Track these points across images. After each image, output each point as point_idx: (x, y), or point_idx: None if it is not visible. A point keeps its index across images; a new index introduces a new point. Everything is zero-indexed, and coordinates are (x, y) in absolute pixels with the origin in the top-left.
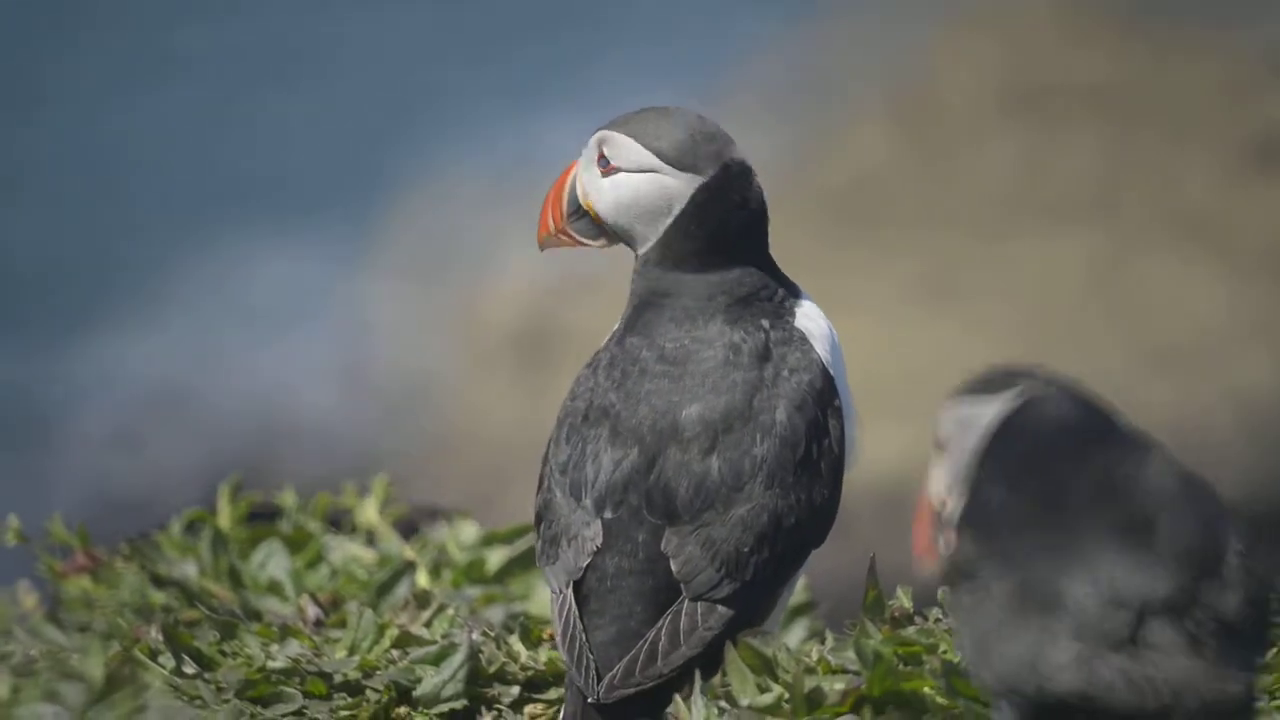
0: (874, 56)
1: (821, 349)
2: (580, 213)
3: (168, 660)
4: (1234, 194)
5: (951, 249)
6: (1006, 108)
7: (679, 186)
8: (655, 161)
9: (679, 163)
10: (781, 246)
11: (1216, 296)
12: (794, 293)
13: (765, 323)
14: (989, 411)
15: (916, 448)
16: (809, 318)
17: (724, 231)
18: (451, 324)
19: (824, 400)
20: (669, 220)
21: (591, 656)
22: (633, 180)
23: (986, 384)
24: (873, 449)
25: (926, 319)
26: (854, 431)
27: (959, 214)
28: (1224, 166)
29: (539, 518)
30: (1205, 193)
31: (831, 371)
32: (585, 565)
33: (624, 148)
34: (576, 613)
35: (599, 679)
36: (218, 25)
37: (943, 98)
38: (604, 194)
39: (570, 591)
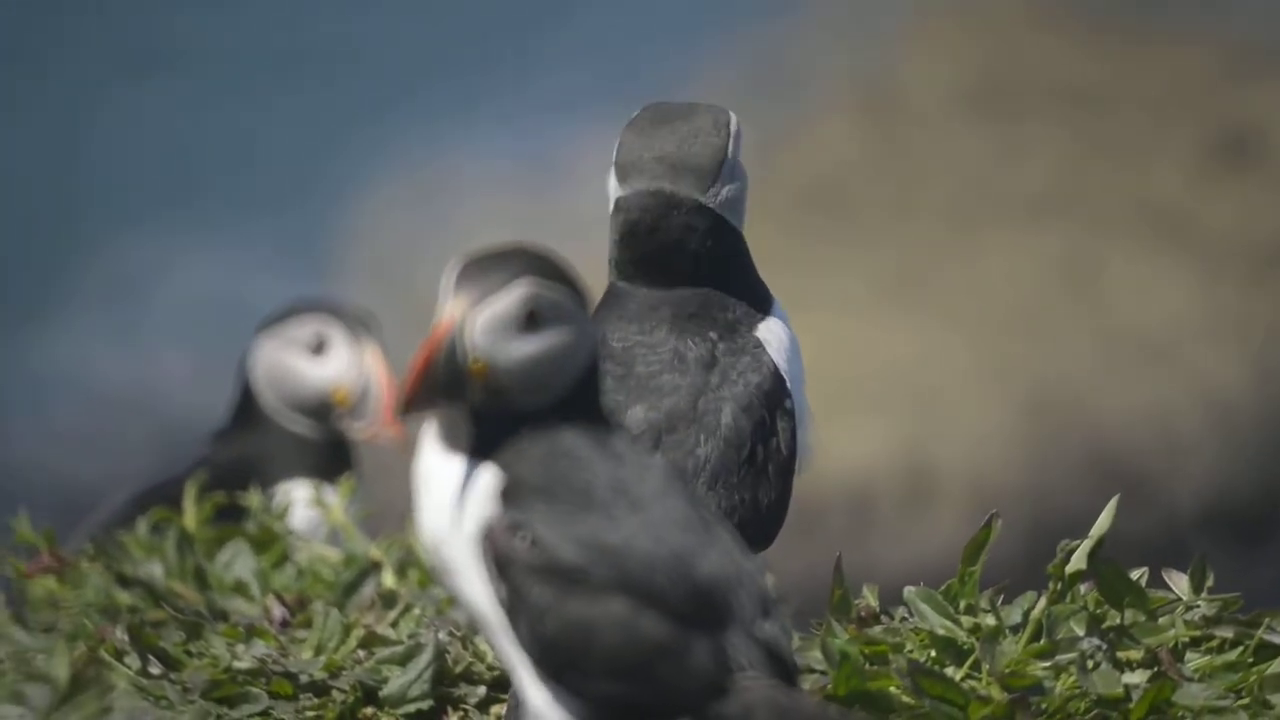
0: (841, 52)
1: (776, 354)
2: None
3: (133, 661)
4: (1203, 190)
5: (919, 246)
6: (974, 104)
7: (612, 191)
8: (612, 158)
9: (619, 170)
10: (748, 244)
11: (1185, 293)
12: (763, 306)
13: (714, 335)
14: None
15: (884, 446)
16: (769, 329)
17: (638, 248)
18: (407, 323)
19: (773, 402)
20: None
21: None
22: (610, 170)
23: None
24: (840, 447)
25: (894, 316)
26: (807, 436)
27: (927, 211)
28: (1193, 162)
29: None
30: (1174, 189)
31: (785, 375)
32: None
33: (619, 135)
34: None
35: None
36: (164, 29)
37: (910, 94)
38: None
39: None
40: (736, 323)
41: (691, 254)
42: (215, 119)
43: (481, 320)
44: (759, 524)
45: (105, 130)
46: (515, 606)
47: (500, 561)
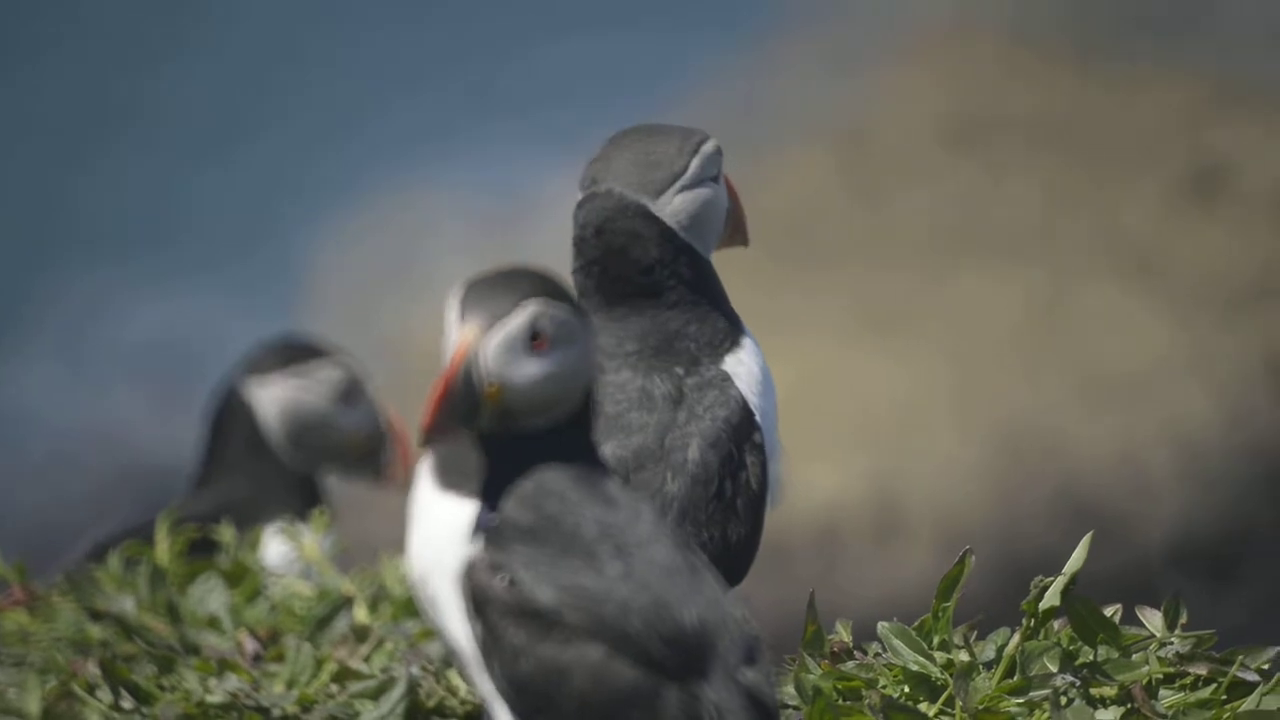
0: (813, 91)
1: (745, 386)
2: None
3: (105, 695)
4: (1172, 228)
5: (890, 284)
6: (946, 142)
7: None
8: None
9: (582, 179)
10: (720, 274)
11: (1156, 331)
12: (731, 336)
13: (680, 370)
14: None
15: (855, 481)
16: (738, 360)
17: (586, 252)
18: (382, 358)
19: (741, 436)
20: None
21: None
22: None
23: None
24: (809, 484)
25: (864, 354)
26: (778, 470)
27: (898, 249)
28: (1162, 200)
29: None
30: (1144, 227)
31: (755, 409)
32: None
33: None
34: None
35: None
36: (124, 74)
37: (887, 128)
38: None
39: None
40: (702, 355)
41: (637, 262)
42: (178, 160)
43: (494, 343)
44: (729, 560)
45: (67, 174)
46: (490, 646)
47: (478, 600)
